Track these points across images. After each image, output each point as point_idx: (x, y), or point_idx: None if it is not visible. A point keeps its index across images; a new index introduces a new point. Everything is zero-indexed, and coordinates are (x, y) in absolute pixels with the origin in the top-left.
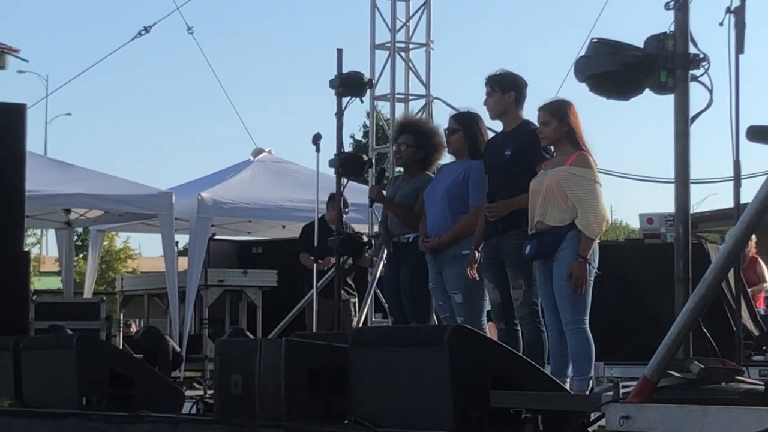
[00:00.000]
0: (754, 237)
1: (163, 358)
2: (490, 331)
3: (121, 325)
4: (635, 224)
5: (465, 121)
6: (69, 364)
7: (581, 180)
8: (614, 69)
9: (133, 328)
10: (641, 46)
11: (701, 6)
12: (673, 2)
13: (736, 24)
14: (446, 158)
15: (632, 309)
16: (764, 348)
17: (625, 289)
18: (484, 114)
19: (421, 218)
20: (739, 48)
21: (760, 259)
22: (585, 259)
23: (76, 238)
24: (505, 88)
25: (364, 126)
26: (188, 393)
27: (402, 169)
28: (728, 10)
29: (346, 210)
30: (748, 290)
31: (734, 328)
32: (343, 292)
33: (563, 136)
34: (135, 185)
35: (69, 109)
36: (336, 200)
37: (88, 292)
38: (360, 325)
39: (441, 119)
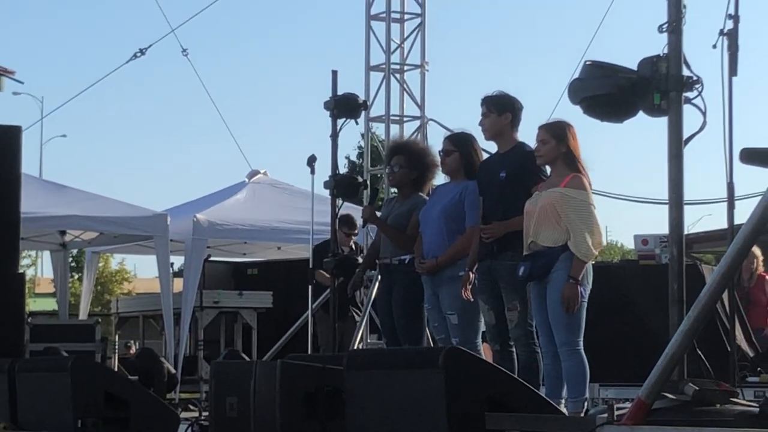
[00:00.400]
0: (760, 255)
1: (159, 380)
2: (485, 352)
3: (117, 347)
4: (630, 245)
5: (460, 142)
6: (64, 386)
7: (575, 202)
8: (608, 91)
9: (133, 350)
10: (635, 68)
11: (694, 28)
12: (666, 25)
13: (730, 46)
14: (440, 178)
15: (627, 330)
16: (759, 369)
17: (621, 310)
18: (478, 134)
19: (416, 239)
20: (733, 70)
21: (767, 277)
22: (576, 281)
23: (71, 259)
24: (501, 110)
25: (359, 147)
26: (183, 415)
27: (396, 191)
28: (721, 33)
29: (356, 231)
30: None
31: (729, 350)
32: (353, 312)
33: (560, 157)
34: (130, 207)
35: (64, 130)
36: (331, 222)
37: (83, 314)
38: (356, 347)
39: (436, 140)
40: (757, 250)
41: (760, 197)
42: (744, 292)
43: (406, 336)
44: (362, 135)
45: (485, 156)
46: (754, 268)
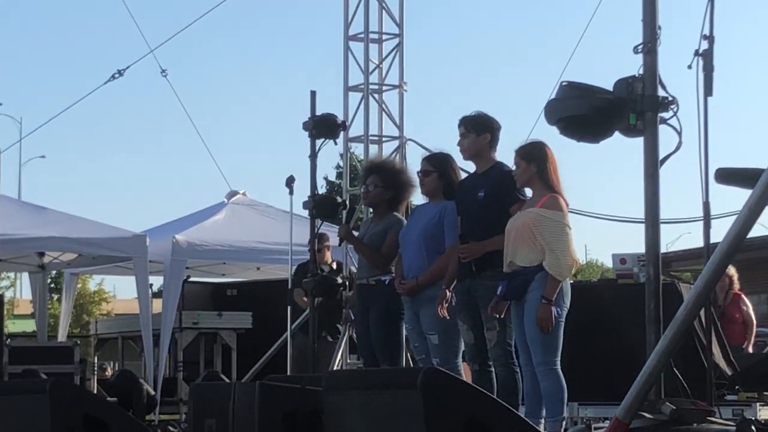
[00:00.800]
0: (735, 273)
1: (138, 402)
2: (465, 372)
3: (96, 369)
4: (610, 264)
5: (438, 162)
6: (42, 409)
7: (550, 222)
8: (584, 112)
9: (108, 372)
10: (611, 89)
11: (670, 49)
12: (641, 46)
13: (705, 67)
14: (420, 198)
15: (607, 349)
16: (737, 387)
17: (600, 329)
18: (456, 154)
19: (393, 259)
20: (708, 91)
21: (743, 296)
22: (549, 301)
23: (50, 281)
24: (480, 130)
25: (338, 167)
26: None
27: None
28: (696, 53)
29: (326, 244)
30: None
31: (709, 369)
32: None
33: (536, 178)
34: (109, 228)
35: (43, 151)
36: (310, 242)
37: (62, 336)
38: (335, 367)
39: (414, 160)
40: (731, 269)
41: (735, 217)
42: (719, 310)
43: (384, 355)
44: (341, 155)
45: (464, 176)
46: (728, 287)
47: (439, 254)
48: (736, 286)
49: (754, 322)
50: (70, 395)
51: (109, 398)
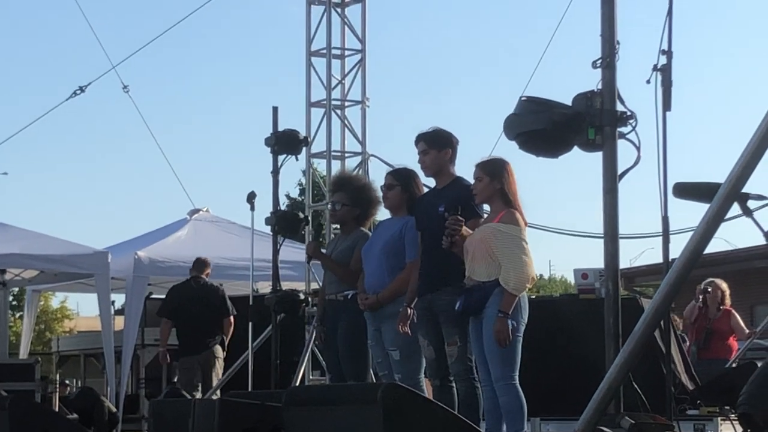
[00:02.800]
0: (726, 288)
1: (99, 419)
2: (427, 387)
3: (57, 386)
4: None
5: (402, 177)
6: (2, 426)
7: (506, 236)
8: (543, 127)
9: (67, 390)
10: (570, 103)
11: (628, 64)
12: (600, 60)
13: (663, 82)
14: (384, 213)
15: (569, 364)
16: (699, 402)
17: (562, 344)
18: (418, 170)
19: (359, 275)
20: (667, 105)
21: (734, 311)
22: (505, 315)
23: (11, 298)
24: (442, 146)
25: (300, 184)
26: None
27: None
28: (655, 68)
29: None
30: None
31: (668, 383)
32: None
33: (496, 194)
34: (71, 245)
35: (5, 168)
36: (273, 258)
37: (23, 353)
38: (297, 384)
39: (377, 176)
40: (723, 284)
41: (692, 232)
42: (709, 324)
43: (350, 371)
44: (303, 172)
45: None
46: (719, 301)
47: (400, 269)
48: (728, 301)
49: (745, 332)
50: (29, 412)
51: (70, 416)
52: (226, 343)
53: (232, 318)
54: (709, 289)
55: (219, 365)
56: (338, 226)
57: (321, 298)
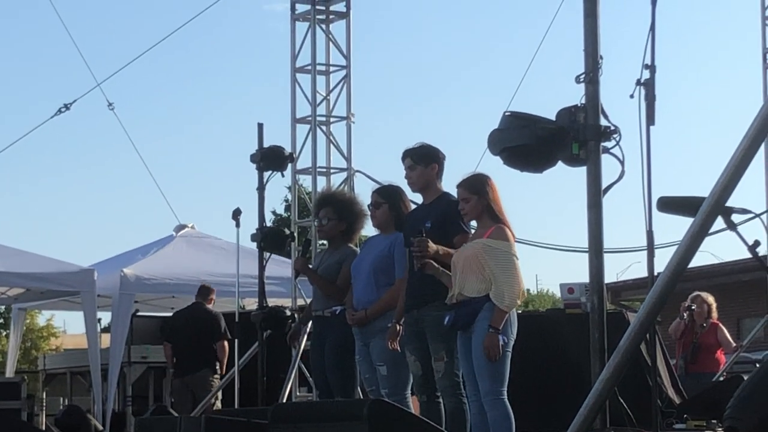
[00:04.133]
0: (713, 302)
1: None
2: (413, 404)
3: (45, 404)
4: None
5: (389, 194)
6: None
7: (497, 252)
8: (527, 142)
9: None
10: (553, 118)
11: (612, 79)
12: (583, 75)
13: (647, 96)
14: (371, 230)
15: (555, 378)
16: (685, 416)
17: (548, 359)
18: (404, 186)
19: (347, 291)
20: (650, 119)
21: (721, 325)
22: (496, 330)
23: None
24: (428, 162)
25: (286, 200)
26: None
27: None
28: (638, 83)
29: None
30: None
31: (654, 397)
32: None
33: (483, 211)
34: (56, 262)
35: None
36: (259, 274)
37: (10, 371)
38: (283, 400)
39: (363, 192)
40: (709, 297)
41: (677, 246)
42: (696, 338)
43: (338, 387)
44: (289, 188)
45: (413, 207)
46: (706, 315)
47: (389, 286)
48: (714, 315)
49: (732, 346)
50: (16, 431)
51: None
52: (219, 367)
53: (226, 342)
54: (694, 306)
55: (210, 388)
56: (326, 242)
57: (307, 313)
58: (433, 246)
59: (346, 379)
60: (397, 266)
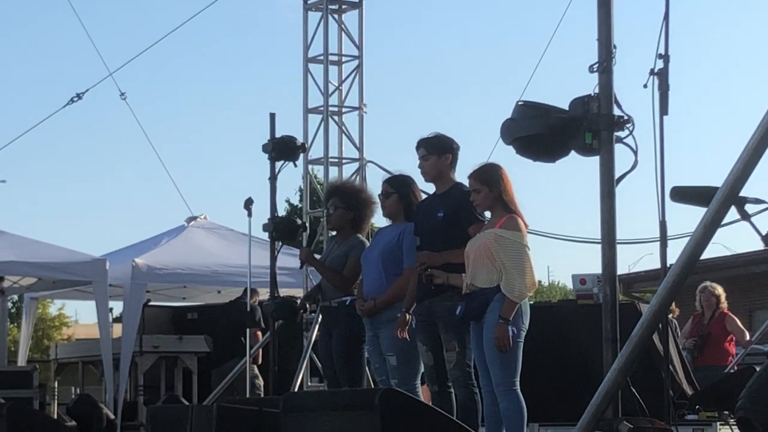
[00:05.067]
0: (722, 293)
1: (97, 426)
2: (424, 393)
3: (56, 393)
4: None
5: (399, 184)
6: None
7: (509, 242)
8: (540, 131)
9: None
10: (567, 108)
11: (625, 68)
12: (597, 65)
13: (660, 86)
14: (383, 221)
15: (567, 369)
16: (698, 407)
17: (560, 350)
18: (416, 176)
19: (354, 281)
20: (663, 109)
21: (730, 314)
22: (506, 321)
23: (10, 305)
24: (442, 152)
25: (300, 189)
26: None
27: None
28: (652, 72)
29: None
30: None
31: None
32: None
33: (496, 201)
34: (69, 252)
35: (3, 176)
36: (271, 264)
37: (21, 360)
38: (295, 390)
39: (375, 182)
40: (718, 288)
41: (689, 237)
42: (704, 330)
43: (346, 377)
44: (303, 177)
45: (424, 197)
46: (715, 306)
47: (398, 276)
48: (724, 305)
49: (746, 335)
50: (28, 420)
51: (68, 423)
52: (252, 354)
53: (259, 332)
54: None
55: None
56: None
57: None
58: (435, 257)
59: (354, 369)
60: (406, 256)
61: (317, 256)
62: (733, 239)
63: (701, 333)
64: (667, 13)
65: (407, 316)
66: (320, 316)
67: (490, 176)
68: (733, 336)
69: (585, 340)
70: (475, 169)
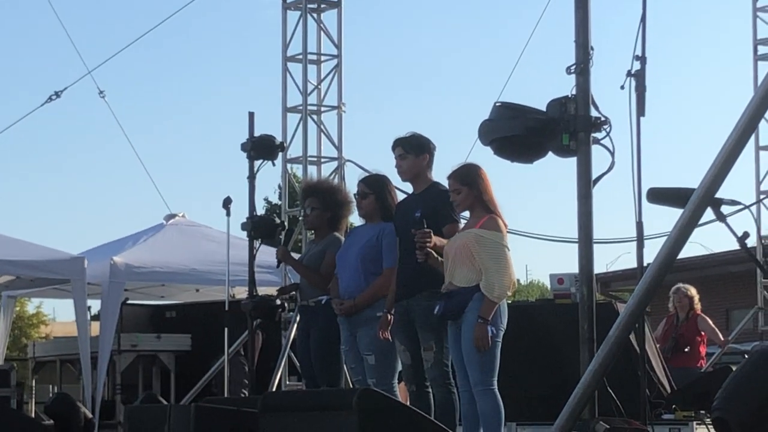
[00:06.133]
0: (696, 295)
1: (75, 425)
2: (401, 393)
3: (34, 392)
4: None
5: (374, 184)
6: None
7: (488, 242)
8: (517, 132)
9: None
10: (544, 109)
11: (603, 70)
12: (574, 66)
13: (637, 87)
14: (357, 219)
15: (545, 368)
16: (674, 406)
17: (537, 349)
18: (393, 175)
19: (331, 279)
20: (641, 110)
21: (702, 315)
22: (485, 321)
23: None
24: (419, 151)
25: (279, 188)
26: None
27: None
28: (629, 74)
29: None
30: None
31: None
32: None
33: (476, 201)
34: (47, 250)
35: None
36: (249, 263)
37: None
38: (273, 389)
39: (354, 181)
40: (691, 290)
41: (666, 237)
42: (678, 331)
43: (324, 377)
44: (282, 176)
45: (400, 196)
46: (688, 307)
47: (376, 275)
48: (698, 307)
49: (719, 334)
50: (5, 418)
51: (46, 422)
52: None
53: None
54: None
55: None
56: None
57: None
58: (434, 238)
59: (331, 369)
60: (386, 255)
61: (296, 256)
62: (711, 238)
63: (674, 335)
64: (644, 15)
65: (389, 317)
66: (298, 316)
67: (469, 177)
68: (706, 336)
69: (562, 340)
70: (454, 169)
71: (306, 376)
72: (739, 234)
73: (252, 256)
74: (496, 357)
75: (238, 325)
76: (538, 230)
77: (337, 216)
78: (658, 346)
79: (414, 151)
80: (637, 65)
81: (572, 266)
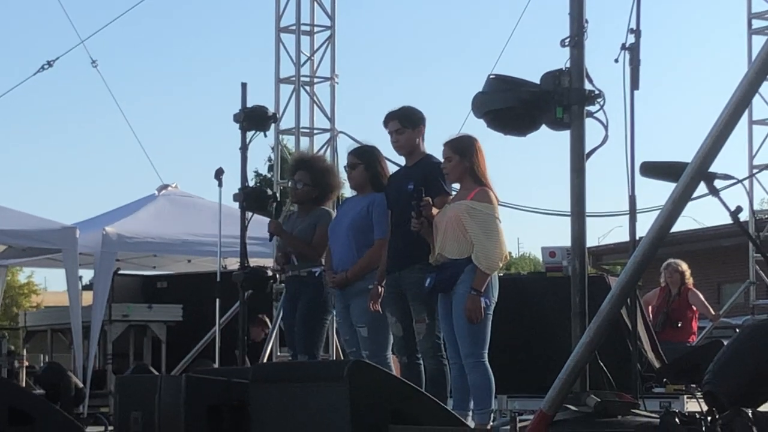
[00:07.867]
0: (687, 270)
1: (66, 394)
2: (394, 365)
3: (25, 361)
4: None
5: (364, 155)
6: None
7: (480, 214)
8: (511, 105)
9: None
10: (538, 82)
11: (597, 43)
12: (568, 39)
13: (631, 60)
14: (349, 191)
15: (536, 341)
16: (665, 380)
17: (529, 322)
18: (385, 146)
19: (323, 251)
20: (634, 84)
21: (694, 289)
22: (478, 293)
23: None
24: (415, 124)
25: (269, 160)
26: (91, 429)
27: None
28: (623, 47)
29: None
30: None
31: (634, 362)
32: None
33: (466, 172)
34: (39, 220)
35: None
36: (241, 234)
37: None
38: (264, 360)
39: (346, 153)
40: (682, 265)
41: (659, 210)
42: (669, 306)
43: (301, 346)
44: (272, 148)
45: (392, 167)
46: (679, 282)
47: (368, 247)
48: (689, 281)
49: (710, 309)
50: None
51: (37, 391)
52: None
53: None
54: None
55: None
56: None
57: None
58: (434, 209)
59: (310, 336)
60: (377, 227)
61: None
62: (703, 213)
63: (665, 310)
64: None
65: (379, 289)
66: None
67: (463, 146)
68: (697, 311)
69: (554, 313)
70: (451, 138)
71: (292, 346)
72: (732, 208)
73: (244, 228)
74: (487, 329)
75: (229, 296)
76: (530, 203)
77: (323, 196)
78: (650, 319)
79: (411, 124)
80: (631, 38)
81: (564, 239)
